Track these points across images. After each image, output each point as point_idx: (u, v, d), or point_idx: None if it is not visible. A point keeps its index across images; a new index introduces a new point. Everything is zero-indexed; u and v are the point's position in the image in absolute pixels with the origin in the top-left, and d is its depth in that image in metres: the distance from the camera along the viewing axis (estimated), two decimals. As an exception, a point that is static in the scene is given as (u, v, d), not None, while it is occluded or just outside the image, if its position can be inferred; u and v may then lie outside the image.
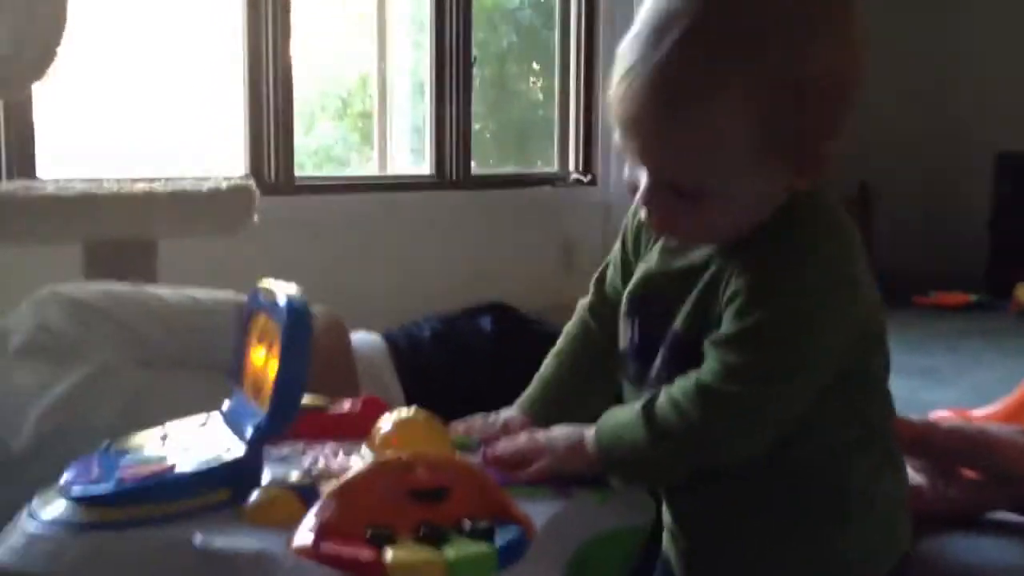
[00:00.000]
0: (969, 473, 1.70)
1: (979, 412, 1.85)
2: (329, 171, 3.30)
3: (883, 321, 0.72)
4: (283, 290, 0.72)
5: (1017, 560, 1.53)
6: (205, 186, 1.62)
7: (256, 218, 1.69)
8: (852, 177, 4.19)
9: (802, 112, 0.64)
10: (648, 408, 0.69)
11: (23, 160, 2.34)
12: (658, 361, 0.73)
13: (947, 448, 1.67)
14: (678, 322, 0.71)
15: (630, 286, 0.77)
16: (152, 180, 1.73)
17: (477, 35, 3.61)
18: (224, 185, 1.62)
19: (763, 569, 0.72)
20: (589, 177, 3.95)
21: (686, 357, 0.69)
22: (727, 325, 0.67)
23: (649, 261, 0.76)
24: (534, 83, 4.28)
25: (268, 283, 0.76)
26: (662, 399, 0.68)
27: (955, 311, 3.77)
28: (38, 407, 1.05)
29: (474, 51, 3.50)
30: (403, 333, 1.40)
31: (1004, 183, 4.03)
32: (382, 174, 3.29)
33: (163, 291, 1.22)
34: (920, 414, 1.81)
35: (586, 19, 3.94)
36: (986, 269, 3.98)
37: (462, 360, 1.34)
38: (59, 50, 1.65)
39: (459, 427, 0.82)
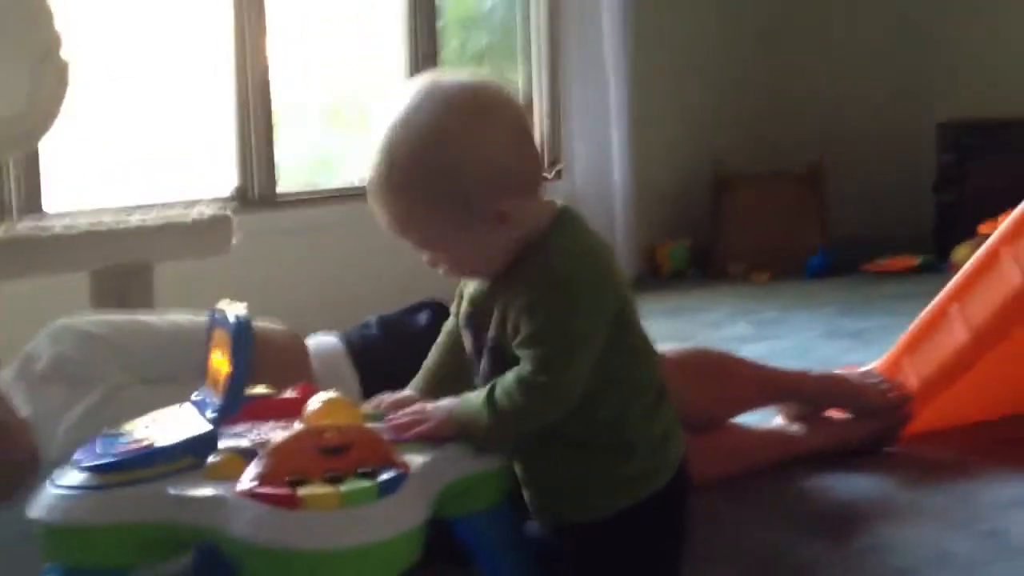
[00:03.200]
0: (835, 413, 2.02)
1: (861, 368, 2.16)
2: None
3: (630, 305, 1.01)
4: (233, 309, 1.01)
5: (889, 491, 1.82)
6: (190, 216, 1.91)
7: (235, 240, 1.98)
8: (807, 156, 4.46)
9: (470, 198, 0.97)
10: (489, 396, 0.98)
11: (30, 193, 2.64)
12: (483, 361, 1.04)
13: (819, 392, 2.00)
14: (490, 332, 1.02)
15: (463, 305, 1.07)
16: (146, 209, 2.02)
17: (451, 41, 3.88)
18: (206, 214, 1.90)
19: (577, 486, 1.04)
20: (555, 172, 4.22)
21: (499, 357, 1.00)
22: (523, 332, 0.96)
23: (471, 286, 1.06)
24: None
25: (224, 304, 1.04)
26: (498, 390, 0.98)
27: (901, 275, 4.03)
28: (64, 424, 1.33)
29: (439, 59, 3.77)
30: (357, 332, 1.69)
31: (946, 153, 4.29)
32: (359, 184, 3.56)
33: (150, 318, 1.51)
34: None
35: (549, 16, 4.13)
36: (932, 232, 4.24)
37: (404, 352, 1.61)
38: (64, 106, 1.94)
39: (372, 403, 1.11)
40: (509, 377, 0.97)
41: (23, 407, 1.35)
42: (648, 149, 4.37)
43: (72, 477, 0.96)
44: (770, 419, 2.00)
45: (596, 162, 4.19)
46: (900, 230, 4.37)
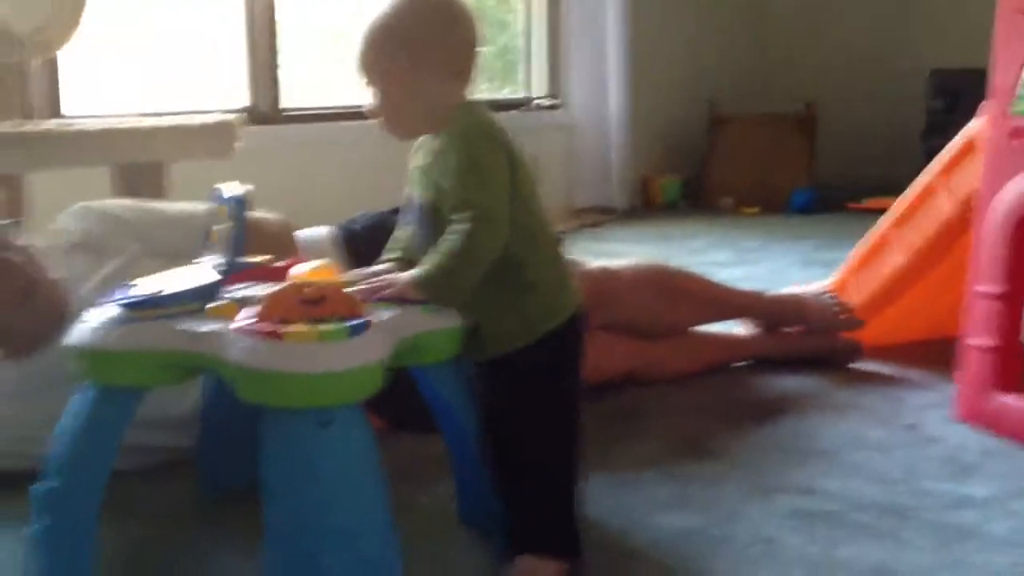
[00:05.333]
0: (788, 328, 2.21)
1: (816, 285, 2.34)
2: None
3: (523, 178, 1.22)
4: (230, 188, 1.20)
5: (822, 390, 2.02)
6: (198, 120, 2.09)
7: (239, 145, 2.16)
8: (799, 98, 4.60)
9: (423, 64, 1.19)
10: (443, 249, 1.17)
11: (51, 98, 2.82)
12: (422, 225, 1.25)
13: (770, 312, 2.20)
14: (423, 197, 1.23)
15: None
16: (158, 115, 2.20)
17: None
18: (211, 120, 2.09)
19: (493, 319, 1.24)
20: (555, 101, 4.37)
21: (432, 217, 1.21)
22: (450, 192, 1.18)
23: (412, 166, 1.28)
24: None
25: (224, 184, 1.23)
26: (448, 242, 1.17)
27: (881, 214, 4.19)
28: (89, 284, 1.54)
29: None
30: (344, 225, 1.88)
31: (936, 100, 4.42)
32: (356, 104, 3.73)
33: (163, 204, 1.71)
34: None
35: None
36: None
37: (383, 244, 1.81)
38: (83, 15, 2.12)
39: (348, 274, 1.30)
40: (454, 230, 1.17)
41: (54, 272, 1.56)
42: (645, 87, 4.52)
43: (100, 314, 1.16)
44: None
45: (594, 96, 4.35)
46: (888, 174, 4.52)
